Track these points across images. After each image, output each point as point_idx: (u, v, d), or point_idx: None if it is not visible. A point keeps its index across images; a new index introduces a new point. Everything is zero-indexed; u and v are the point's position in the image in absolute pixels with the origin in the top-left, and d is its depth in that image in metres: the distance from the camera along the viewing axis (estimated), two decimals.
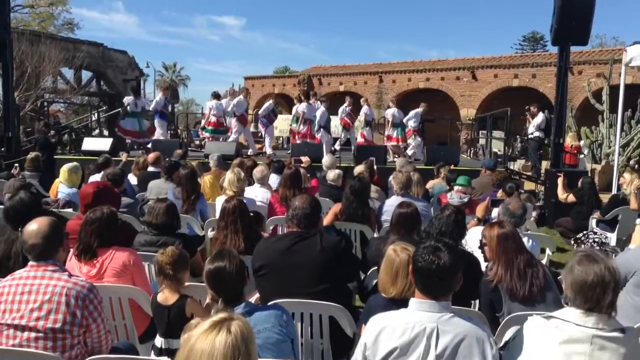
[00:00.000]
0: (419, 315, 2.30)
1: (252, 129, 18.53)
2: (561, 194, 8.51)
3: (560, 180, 8.63)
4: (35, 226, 2.77)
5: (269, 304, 2.82)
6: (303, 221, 3.43)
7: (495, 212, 5.41)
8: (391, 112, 14.36)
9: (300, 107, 14.08)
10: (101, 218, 3.49)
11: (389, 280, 2.86)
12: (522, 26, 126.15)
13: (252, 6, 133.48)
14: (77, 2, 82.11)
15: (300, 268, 3.26)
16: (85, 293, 2.69)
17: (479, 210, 5.15)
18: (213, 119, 14.05)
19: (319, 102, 14.44)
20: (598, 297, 2.21)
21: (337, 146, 14.40)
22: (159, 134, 13.84)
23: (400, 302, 2.65)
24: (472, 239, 4.34)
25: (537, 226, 8.01)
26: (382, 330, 2.33)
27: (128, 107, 13.37)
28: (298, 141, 13.68)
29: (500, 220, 3.73)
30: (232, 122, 13.94)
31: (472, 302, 3.74)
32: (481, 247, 3.56)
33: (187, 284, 3.31)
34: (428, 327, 2.26)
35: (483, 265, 3.66)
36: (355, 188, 5.46)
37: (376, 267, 3.87)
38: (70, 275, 2.76)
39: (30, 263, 2.75)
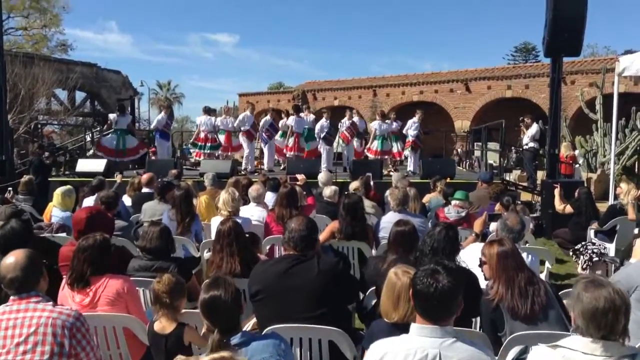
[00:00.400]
0: (421, 340, 2.24)
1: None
2: (558, 205, 8.48)
3: (556, 191, 8.60)
4: (12, 259, 2.68)
5: (266, 332, 2.75)
6: (299, 244, 3.36)
7: (493, 226, 5.36)
8: (374, 124, 14.42)
9: (288, 121, 14.04)
10: (93, 245, 3.41)
11: (390, 305, 2.79)
12: (514, 37, 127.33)
13: (245, 23, 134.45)
14: (71, 23, 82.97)
15: (298, 292, 3.20)
16: (71, 322, 2.62)
17: (477, 225, 5.10)
18: (202, 134, 13.97)
19: (311, 115, 14.44)
20: (612, 323, 2.13)
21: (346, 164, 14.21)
22: (159, 154, 13.89)
23: (403, 327, 2.58)
24: (471, 256, 4.28)
25: (535, 237, 7.97)
26: (383, 357, 2.27)
27: (113, 124, 13.41)
28: (288, 155, 13.65)
29: (499, 238, 3.68)
30: (240, 138, 13.88)
31: (473, 320, 3.69)
32: (480, 265, 3.50)
33: (184, 310, 3.26)
34: (430, 353, 2.20)
35: (482, 282, 3.61)
36: (348, 205, 5.42)
37: (375, 287, 3.82)
38: (54, 305, 2.69)
39: (11, 297, 2.67)
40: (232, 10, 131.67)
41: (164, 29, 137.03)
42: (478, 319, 3.63)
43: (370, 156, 14.13)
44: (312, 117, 14.32)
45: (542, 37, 10.31)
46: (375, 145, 14.16)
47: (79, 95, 28.54)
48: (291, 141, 13.80)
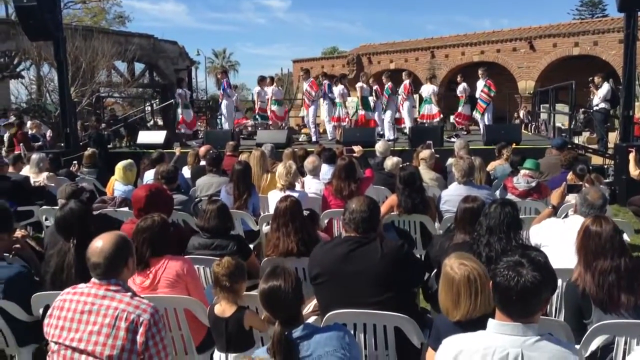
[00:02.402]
0: (501, 339, 2.02)
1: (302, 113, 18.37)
2: (633, 171, 7.93)
3: (631, 156, 8.02)
4: (99, 244, 2.62)
5: (329, 321, 2.61)
6: (361, 225, 3.17)
7: (570, 197, 5.00)
8: (424, 88, 14.31)
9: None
10: (152, 226, 3.37)
11: (450, 303, 2.51)
12: None
13: None
14: None
15: (361, 276, 3.03)
16: (147, 318, 2.51)
17: (554, 197, 4.74)
18: (258, 104, 14.17)
19: (359, 83, 14.09)
20: None
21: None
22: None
23: (467, 326, 2.36)
24: (545, 232, 4.00)
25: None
26: (458, 355, 2.07)
27: None
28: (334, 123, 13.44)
29: (598, 215, 3.33)
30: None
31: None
32: None
33: (245, 293, 3.18)
34: (511, 352, 1.98)
35: (566, 262, 3.34)
36: (404, 177, 5.25)
37: (440, 267, 3.61)
38: (132, 296, 2.60)
39: (93, 280, 2.63)
40: None
41: None
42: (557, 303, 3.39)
43: (421, 121, 13.88)
44: (359, 84, 13.92)
45: None
46: (424, 109, 14.11)
47: (138, 67, 29.02)
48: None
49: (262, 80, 14.16)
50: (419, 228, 5.24)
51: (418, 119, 14.19)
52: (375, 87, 13.75)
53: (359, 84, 13.76)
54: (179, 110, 14.13)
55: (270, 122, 13.94)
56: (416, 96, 14.93)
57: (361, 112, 13.64)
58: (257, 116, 14.48)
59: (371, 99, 13.75)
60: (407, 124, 13.55)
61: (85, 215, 3.64)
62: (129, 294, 2.61)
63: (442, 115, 14.50)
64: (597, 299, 2.91)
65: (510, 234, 3.33)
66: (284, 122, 14.49)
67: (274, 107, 13.82)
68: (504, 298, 2.04)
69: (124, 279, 2.71)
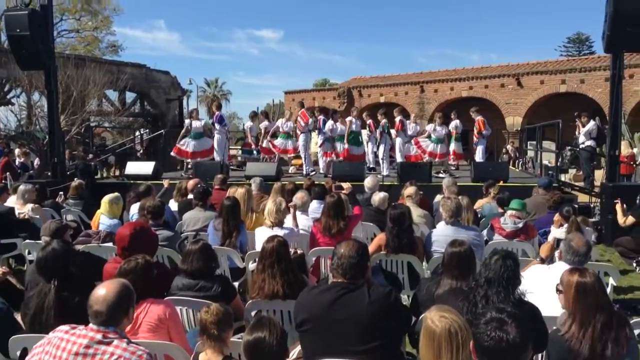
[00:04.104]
0: None
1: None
2: (620, 219, 7.93)
3: (618, 207, 8.01)
4: (102, 292, 2.63)
5: None
6: (349, 271, 3.12)
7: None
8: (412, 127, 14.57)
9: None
10: (135, 269, 3.32)
11: (432, 357, 2.43)
12: (566, 27, 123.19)
13: (290, 18, 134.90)
14: (120, 22, 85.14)
15: (347, 324, 2.98)
16: None
17: (543, 250, 4.68)
18: (251, 140, 14.29)
19: (350, 117, 14.22)
20: None
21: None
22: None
23: None
24: (533, 279, 3.98)
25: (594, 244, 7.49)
26: None
27: None
28: (327, 159, 13.46)
29: (583, 268, 3.26)
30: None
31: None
32: (558, 292, 3.17)
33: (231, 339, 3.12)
34: None
35: (551, 310, 3.30)
36: (394, 215, 5.24)
37: None
38: (129, 343, 2.60)
39: (90, 325, 2.63)
40: (276, 6, 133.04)
41: (211, 26, 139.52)
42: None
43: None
44: (349, 118, 14.01)
45: (602, 32, 9.78)
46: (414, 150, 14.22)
47: (129, 96, 28.99)
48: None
49: (254, 116, 14.25)
50: (406, 268, 5.22)
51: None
52: (368, 121, 13.84)
53: (349, 118, 13.88)
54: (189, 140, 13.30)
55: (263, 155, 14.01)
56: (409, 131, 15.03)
57: (345, 145, 13.69)
58: (254, 151, 14.51)
59: (364, 132, 13.86)
60: (398, 159, 13.61)
61: (68, 257, 3.57)
62: (125, 341, 2.62)
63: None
64: (589, 355, 2.82)
65: (509, 288, 3.24)
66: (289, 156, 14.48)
67: (277, 142, 13.81)
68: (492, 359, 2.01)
69: (123, 328, 2.72)
